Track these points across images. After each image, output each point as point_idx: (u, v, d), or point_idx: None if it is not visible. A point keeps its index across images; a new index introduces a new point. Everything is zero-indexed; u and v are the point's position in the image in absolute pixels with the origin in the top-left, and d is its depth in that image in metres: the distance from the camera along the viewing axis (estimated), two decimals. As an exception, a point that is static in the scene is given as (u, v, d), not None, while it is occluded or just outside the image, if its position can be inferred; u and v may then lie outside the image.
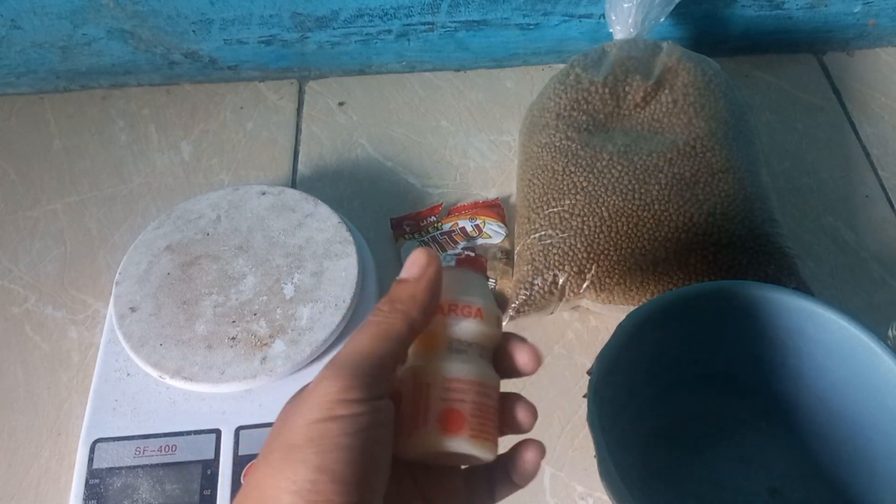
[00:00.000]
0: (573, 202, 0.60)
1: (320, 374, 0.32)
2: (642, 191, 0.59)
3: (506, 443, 0.38)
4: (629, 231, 0.58)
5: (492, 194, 0.72)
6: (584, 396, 0.47)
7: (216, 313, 0.57)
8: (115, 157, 0.76)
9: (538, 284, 0.58)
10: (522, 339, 0.38)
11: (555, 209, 0.60)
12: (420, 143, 0.76)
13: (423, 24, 0.78)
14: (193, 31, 0.77)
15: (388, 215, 0.70)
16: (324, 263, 0.59)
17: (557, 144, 0.63)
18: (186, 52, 0.79)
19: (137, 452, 0.52)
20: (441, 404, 0.34)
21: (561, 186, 0.61)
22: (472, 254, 0.65)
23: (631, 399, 0.53)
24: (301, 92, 0.82)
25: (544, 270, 0.58)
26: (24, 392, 0.60)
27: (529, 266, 0.59)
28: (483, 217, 0.68)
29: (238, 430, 0.53)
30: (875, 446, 0.49)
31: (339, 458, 0.29)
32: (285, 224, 0.62)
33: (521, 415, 0.37)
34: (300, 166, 0.75)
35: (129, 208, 0.72)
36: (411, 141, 0.77)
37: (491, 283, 0.62)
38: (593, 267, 0.57)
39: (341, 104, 0.80)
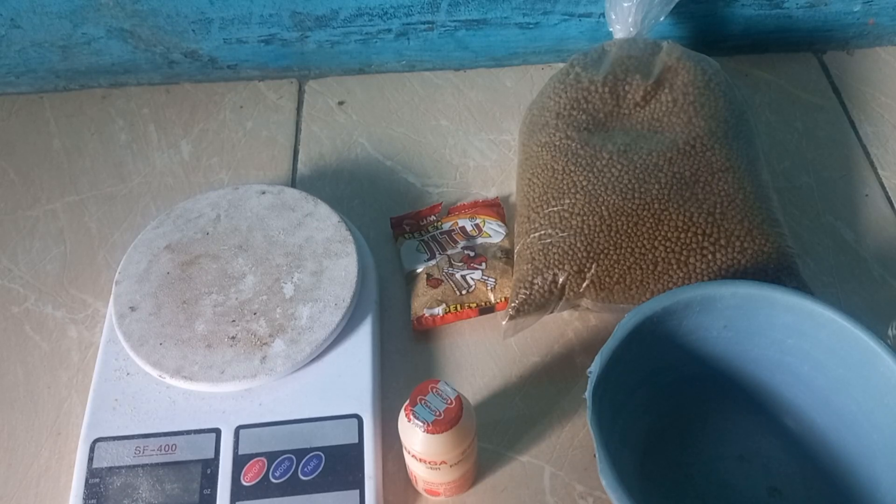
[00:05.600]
0: (573, 201, 0.60)
1: None
2: (642, 190, 0.59)
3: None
4: (629, 230, 0.58)
5: (491, 193, 0.72)
6: (584, 396, 0.47)
7: (216, 312, 0.57)
8: (115, 156, 0.76)
9: (538, 284, 0.58)
10: None
11: (555, 208, 0.60)
12: (420, 142, 0.76)
13: (423, 23, 0.78)
14: (193, 31, 0.77)
15: (387, 214, 0.70)
16: (323, 263, 0.59)
17: (557, 143, 0.63)
18: (186, 51, 0.79)
19: (137, 452, 0.52)
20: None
21: (561, 185, 0.61)
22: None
23: (631, 398, 0.53)
24: (301, 91, 0.82)
25: (544, 270, 0.58)
26: (24, 391, 0.60)
27: (529, 265, 0.59)
28: (483, 216, 0.68)
29: (238, 429, 0.53)
30: (875, 446, 0.49)
31: None
32: (285, 223, 0.62)
33: None
34: (300, 165, 0.75)
35: (128, 207, 0.72)
36: (411, 140, 0.77)
37: (490, 282, 0.62)
38: (593, 266, 0.57)
39: (341, 103, 0.80)
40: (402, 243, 0.67)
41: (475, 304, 0.62)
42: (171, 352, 0.55)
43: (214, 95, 0.81)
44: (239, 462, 0.52)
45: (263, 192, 0.64)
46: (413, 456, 0.48)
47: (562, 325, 0.63)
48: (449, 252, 0.65)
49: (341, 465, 0.52)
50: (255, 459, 0.52)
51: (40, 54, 0.78)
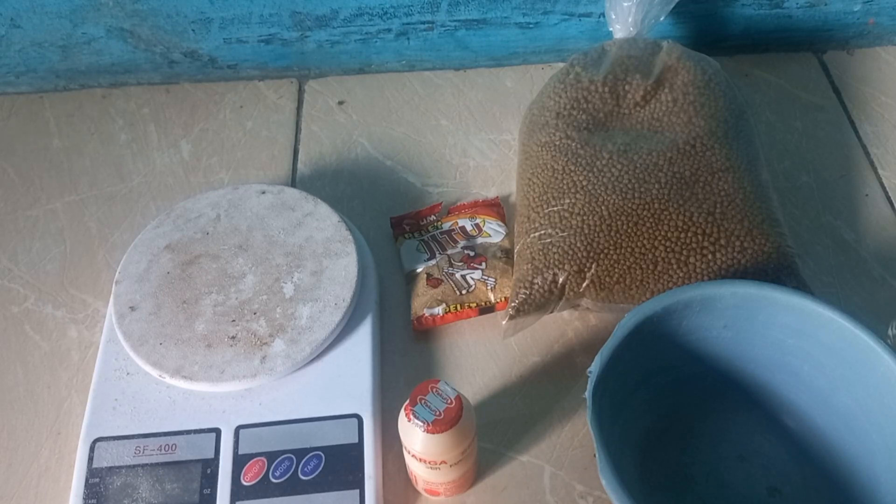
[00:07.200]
0: (573, 201, 0.60)
1: None
2: (642, 190, 0.59)
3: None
4: (629, 230, 0.58)
5: (491, 193, 0.72)
6: (584, 396, 0.47)
7: (216, 312, 0.57)
8: (115, 156, 0.76)
9: (538, 283, 0.58)
10: None
11: (555, 208, 0.60)
12: (420, 142, 0.76)
13: (423, 22, 0.78)
14: (193, 30, 0.77)
15: (387, 214, 0.70)
16: (323, 262, 0.59)
17: (557, 143, 0.63)
18: (186, 51, 0.79)
19: (137, 451, 0.52)
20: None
21: (561, 185, 0.61)
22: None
23: (631, 398, 0.53)
24: (301, 91, 0.82)
25: (544, 269, 0.58)
26: (24, 391, 0.60)
27: (529, 265, 0.59)
28: (483, 216, 0.68)
29: (238, 429, 0.53)
30: (875, 446, 0.49)
31: None
32: (285, 223, 0.62)
33: None
34: (300, 165, 0.75)
35: (128, 207, 0.72)
36: (411, 140, 0.77)
37: (490, 282, 0.62)
38: (593, 266, 0.57)
39: (341, 103, 0.80)
40: (402, 243, 0.67)
41: (475, 304, 0.62)
42: (171, 352, 0.55)
43: (214, 95, 0.81)
44: (239, 462, 0.52)
45: (263, 192, 0.64)
46: (413, 456, 0.48)
47: (562, 325, 0.63)
48: (449, 252, 0.65)
49: (341, 465, 0.52)
50: (255, 459, 0.52)
51: (40, 54, 0.78)
